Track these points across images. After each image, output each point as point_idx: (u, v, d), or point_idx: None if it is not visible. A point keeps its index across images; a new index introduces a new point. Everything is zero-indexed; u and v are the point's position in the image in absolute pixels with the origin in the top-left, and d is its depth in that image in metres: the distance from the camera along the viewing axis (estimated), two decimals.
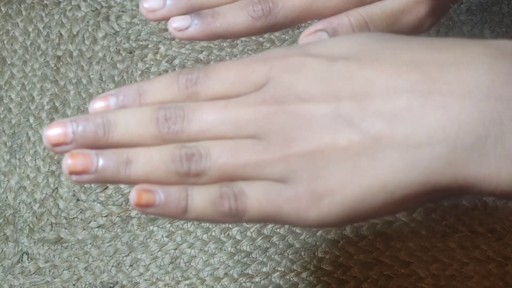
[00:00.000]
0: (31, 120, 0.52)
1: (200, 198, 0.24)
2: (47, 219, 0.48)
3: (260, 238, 0.47)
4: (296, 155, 0.23)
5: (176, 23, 0.28)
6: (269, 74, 0.24)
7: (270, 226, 0.47)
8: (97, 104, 0.26)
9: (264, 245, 0.47)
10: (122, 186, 0.49)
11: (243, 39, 0.53)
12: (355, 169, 0.22)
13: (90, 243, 0.47)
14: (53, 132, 0.24)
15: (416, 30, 0.28)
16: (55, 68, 0.53)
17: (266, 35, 0.52)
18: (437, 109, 0.21)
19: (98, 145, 0.25)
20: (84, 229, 0.48)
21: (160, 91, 0.26)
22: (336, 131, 0.22)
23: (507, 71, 0.21)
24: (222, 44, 0.53)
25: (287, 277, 0.46)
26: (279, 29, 0.29)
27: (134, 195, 0.24)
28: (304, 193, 0.23)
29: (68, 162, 0.24)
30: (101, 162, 0.24)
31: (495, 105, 0.20)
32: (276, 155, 0.23)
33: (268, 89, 0.24)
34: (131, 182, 0.24)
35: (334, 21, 0.28)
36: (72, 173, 0.24)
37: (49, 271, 0.47)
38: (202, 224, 0.47)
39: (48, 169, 0.50)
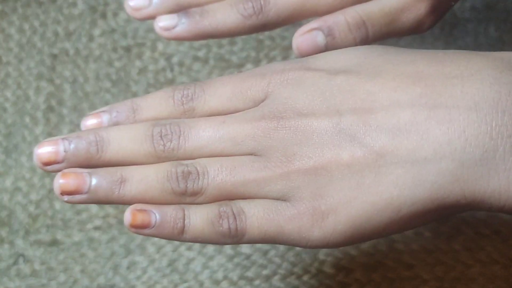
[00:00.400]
0: (27, 119, 0.52)
1: (198, 218, 0.23)
2: (43, 220, 0.48)
3: None
4: (297, 172, 0.22)
5: (162, 22, 0.28)
6: (267, 89, 0.24)
7: None
8: (90, 121, 0.25)
9: (264, 247, 0.46)
10: None
11: (243, 37, 0.52)
12: (359, 186, 0.22)
13: (87, 245, 0.47)
14: (44, 150, 0.24)
15: (416, 29, 0.28)
16: (51, 66, 0.53)
17: (266, 33, 0.52)
18: (443, 123, 0.21)
19: (91, 164, 0.24)
20: (80, 231, 0.48)
21: (155, 107, 0.25)
22: (338, 147, 0.22)
23: None
24: (221, 42, 0.53)
25: (288, 280, 0.46)
26: (271, 29, 0.29)
27: (128, 215, 0.23)
28: (306, 212, 0.22)
29: (60, 182, 0.24)
30: (94, 181, 0.23)
31: (502, 118, 0.20)
32: (276, 172, 0.23)
33: (267, 104, 0.24)
34: (126, 202, 0.24)
35: (329, 20, 0.27)
36: (64, 193, 0.24)
37: (45, 273, 0.47)
38: None
39: None
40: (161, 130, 0.24)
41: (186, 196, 0.24)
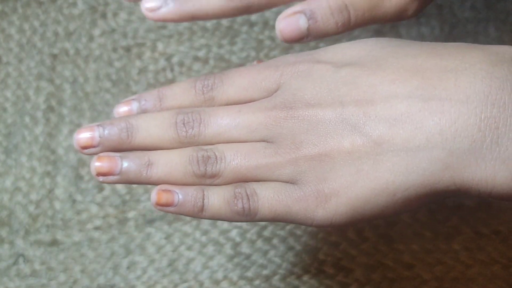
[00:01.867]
0: (27, 119, 0.52)
1: (216, 198, 0.26)
2: (43, 220, 0.48)
3: (260, 240, 0.47)
4: (304, 158, 0.24)
5: (148, 3, 0.28)
6: (280, 80, 0.26)
7: (270, 227, 0.47)
8: (121, 109, 0.28)
9: (264, 247, 0.46)
10: (119, 187, 0.49)
11: (243, 37, 0.53)
12: (358, 171, 0.24)
13: (87, 245, 0.47)
14: (82, 136, 0.27)
15: (401, 15, 0.28)
16: (51, 66, 0.53)
17: (266, 33, 0.52)
18: (435, 114, 0.22)
19: (122, 148, 0.27)
20: (80, 231, 0.48)
21: (178, 96, 0.28)
22: (341, 135, 0.24)
23: (504, 77, 0.21)
24: (221, 42, 0.53)
25: (288, 280, 0.46)
26: (255, 11, 0.29)
27: (154, 195, 0.26)
28: (311, 194, 0.24)
29: (96, 164, 0.26)
30: (125, 164, 0.26)
31: (491, 111, 0.21)
32: (286, 158, 0.25)
33: (279, 94, 0.26)
34: (152, 183, 0.27)
35: (312, 3, 0.27)
36: (99, 174, 0.27)
37: (45, 273, 0.47)
38: (201, 226, 0.47)
39: (44, 169, 0.50)
40: (183, 118, 0.26)
41: (206, 178, 0.26)
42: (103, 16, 0.54)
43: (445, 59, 0.23)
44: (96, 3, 0.55)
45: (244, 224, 0.47)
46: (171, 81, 0.52)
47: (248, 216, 0.26)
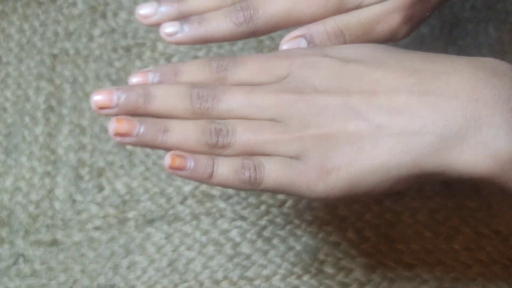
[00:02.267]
0: (27, 119, 0.52)
1: (224, 167, 0.28)
2: (43, 220, 0.48)
3: (260, 240, 0.47)
4: (310, 137, 0.27)
5: (167, 29, 0.32)
6: (290, 68, 0.28)
7: (270, 228, 0.47)
8: (136, 78, 0.30)
9: (264, 247, 0.47)
10: (118, 187, 0.49)
11: None
12: (359, 151, 0.26)
13: (87, 245, 0.47)
14: (100, 97, 0.28)
15: (392, 38, 0.31)
16: (51, 66, 0.53)
17: None
18: (430, 106, 0.26)
19: (138, 113, 0.29)
20: (80, 231, 0.48)
21: (193, 72, 0.30)
22: (346, 119, 0.26)
23: (486, 79, 0.26)
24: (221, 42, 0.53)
25: (288, 280, 0.46)
26: (261, 35, 0.32)
27: (168, 158, 0.28)
28: (314, 168, 0.27)
29: (115, 125, 0.28)
30: (142, 128, 0.28)
31: (475, 105, 0.25)
32: (293, 135, 0.27)
33: (289, 80, 0.28)
34: (166, 148, 0.28)
35: (311, 29, 0.31)
36: (117, 134, 0.28)
37: (45, 273, 0.47)
38: (201, 226, 0.47)
39: (44, 169, 0.50)
40: (199, 92, 0.28)
41: (216, 148, 0.28)
42: (103, 16, 0.55)
43: (437, 64, 0.27)
44: (96, 3, 0.55)
45: (244, 224, 0.47)
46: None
47: (253, 185, 0.28)
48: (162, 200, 0.48)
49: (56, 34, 0.55)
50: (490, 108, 0.25)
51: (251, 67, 0.29)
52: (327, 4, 0.30)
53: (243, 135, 0.28)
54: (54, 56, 0.54)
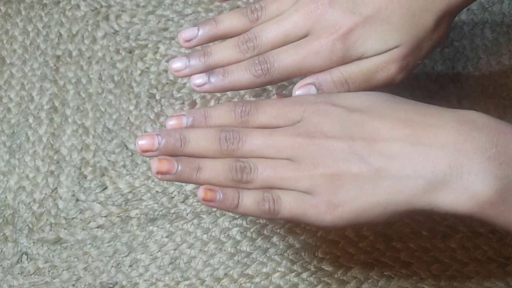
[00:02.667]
0: (30, 120, 0.52)
1: (248, 199, 0.32)
2: (47, 219, 0.48)
3: (260, 239, 0.47)
4: (320, 175, 0.31)
5: (196, 80, 0.36)
6: (303, 114, 0.32)
7: (270, 226, 0.47)
8: (172, 121, 0.34)
9: (264, 245, 0.47)
10: (121, 186, 0.49)
11: None
12: (361, 189, 0.30)
13: (90, 244, 0.47)
14: (144, 142, 0.33)
15: (389, 84, 0.35)
16: (54, 67, 0.53)
17: None
18: (421, 155, 0.30)
19: (175, 154, 0.33)
20: (83, 230, 0.48)
21: (221, 117, 0.34)
22: (350, 162, 0.30)
23: (467, 133, 0.29)
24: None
25: (288, 277, 0.46)
26: (276, 83, 0.36)
27: (202, 192, 0.32)
28: (323, 203, 0.31)
29: (157, 165, 0.32)
30: (179, 167, 0.33)
31: (458, 155, 0.29)
32: (305, 173, 0.31)
33: (302, 125, 0.32)
34: (199, 183, 0.33)
35: (319, 77, 0.35)
36: (158, 172, 0.33)
37: (49, 271, 0.47)
38: (202, 225, 0.47)
39: (48, 169, 0.50)
40: (226, 135, 0.33)
41: (241, 183, 0.32)
42: (106, 18, 0.55)
43: (427, 117, 0.31)
44: (99, 5, 0.55)
45: (244, 223, 0.47)
46: (173, 83, 0.52)
47: (272, 215, 0.32)
48: (164, 199, 0.48)
49: (59, 35, 0.54)
50: (470, 158, 0.29)
51: (270, 112, 0.33)
52: (332, 57, 0.34)
53: (264, 172, 0.32)
54: (58, 58, 0.54)
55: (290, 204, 0.32)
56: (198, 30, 0.37)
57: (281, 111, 0.33)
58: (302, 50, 0.34)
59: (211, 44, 0.38)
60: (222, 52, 0.36)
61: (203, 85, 0.36)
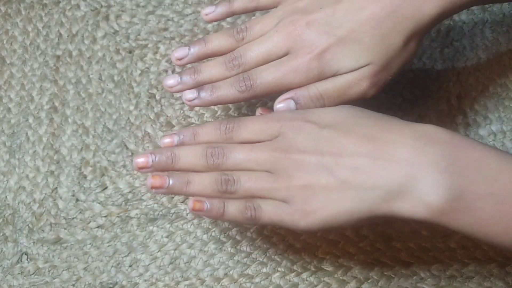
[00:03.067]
0: (30, 120, 0.52)
1: (232, 208, 0.37)
2: (47, 219, 0.48)
3: (260, 239, 0.47)
4: (294, 187, 0.35)
5: (187, 96, 0.40)
6: (280, 130, 0.36)
7: (269, 226, 0.47)
8: (166, 140, 0.39)
9: (264, 245, 0.47)
10: (121, 186, 0.49)
11: None
12: (330, 199, 0.34)
13: (90, 244, 0.47)
14: (140, 160, 0.38)
15: (362, 98, 0.38)
16: (54, 67, 0.53)
17: None
18: (381, 168, 0.33)
19: (167, 169, 0.38)
20: (83, 230, 0.48)
21: (207, 134, 0.38)
22: (319, 175, 0.34)
23: (421, 148, 0.33)
24: None
25: (288, 277, 0.46)
26: (259, 98, 0.40)
27: (191, 203, 0.37)
28: (297, 211, 0.35)
29: (151, 181, 0.38)
30: (171, 181, 0.37)
31: (412, 168, 0.32)
32: (282, 185, 0.35)
33: (279, 140, 0.36)
34: (189, 195, 0.37)
35: (298, 92, 0.38)
36: (152, 187, 0.38)
37: (49, 271, 0.47)
38: (202, 225, 0.47)
39: (48, 169, 0.50)
40: (212, 151, 0.37)
41: (226, 194, 0.37)
42: (106, 18, 0.55)
43: (389, 133, 0.34)
44: (99, 5, 0.55)
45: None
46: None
47: (254, 221, 0.36)
48: (164, 199, 0.48)
49: (59, 35, 0.55)
50: (423, 171, 0.32)
51: (251, 129, 0.37)
52: (309, 74, 0.38)
53: (245, 184, 0.36)
54: (58, 58, 0.54)
55: (269, 212, 0.36)
56: (189, 49, 0.41)
57: (261, 127, 0.37)
58: (282, 68, 0.38)
59: (201, 61, 0.42)
60: (210, 69, 0.40)
61: (194, 99, 0.40)
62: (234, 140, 0.38)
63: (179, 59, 0.41)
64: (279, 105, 0.38)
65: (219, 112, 0.51)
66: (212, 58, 0.41)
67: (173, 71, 0.53)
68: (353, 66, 0.37)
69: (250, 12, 0.42)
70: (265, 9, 0.42)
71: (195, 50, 0.41)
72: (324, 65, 0.37)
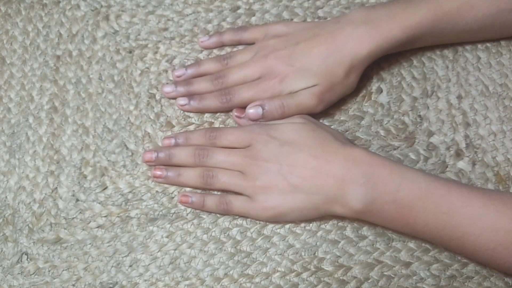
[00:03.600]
0: (31, 120, 0.52)
1: (210, 202, 0.48)
2: (47, 219, 0.48)
3: (260, 239, 0.47)
4: (258, 187, 0.45)
5: (180, 101, 0.51)
6: (250, 142, 0.47)
7: (270, 226, 0.47)
8: (165, 141, 0.50)
9: (264, 245, 0.47)
10: (121, 186, 0.49)
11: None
12: (284, 199, 0.45)
13: (90, 244, 0.47)
14: (147, 156, 0.49)
15: (312, 112, 0.49)
16: (54, 67, 0.53)
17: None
18: (322, 180, 0.44)
19: (166, 164, 0.49)
20: (83, 230, 0.48)
21: (196, 139, 0.49)
22: (278, 180, 0.45)
23: (349, 167, 0.43)
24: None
25: (288, 277, 0.46)
26: (237, 107, 0.50)
27: (179, 196, 0.48)
28: (259, 206, 0.46)
29: (154, 172, 0.49)
30: (168, 173, 0.49)
31: (342, 182, 0.43)
32: (249, 184, 0.46)
33: (250, 149, 0.47)
34: (180, 185, 0.49)
35: (264, 101, 0.48)
36: (154, 176, 0.49)
37: (49, 271, 0.47)
38: (202, 225, 0.48)
39: (48, 169, 0.50)
40: (199, 152, 0.48)
41: (206, 185, 0.48)
42: (106, 18, 0.55)
43: (328, 154, 0.44)
44: (99, 5, 0.55)
45: (244, 223, 0.47)
46: (173, 83, 0.52)
47: (226, 212, 0.47)
48: (164, 199, 0.49)
49: (59, 35, 0.55)
50: (349, 184, 0.43)
51: (230, 138, 0.48)
52: (274, 92, 0.49)
53: (221, 179, 0.47)
54: (58, 58, 0.54)
55: (238, 206, 0.47)
56: (186, 70, 0.52)
57: (237, 138, 0.48)
58: (254, 88, 0.49)
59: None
60: (200, 84, 0.51)
61: (185, 105, 0.51)
62: (217, 145, 0.48)
63: (178, 77, 0.52)
64: (250, 110, 0.49)
65: (218, 113, 0.52)
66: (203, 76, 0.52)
67: (173, 71, 0.53)
68: (304, 86, 0.48)
69: (235, 44, 0.54)
70: (246, 43, 0.53)
71: (191, 71, 0.52)
72: (284, 86, 0.49)
